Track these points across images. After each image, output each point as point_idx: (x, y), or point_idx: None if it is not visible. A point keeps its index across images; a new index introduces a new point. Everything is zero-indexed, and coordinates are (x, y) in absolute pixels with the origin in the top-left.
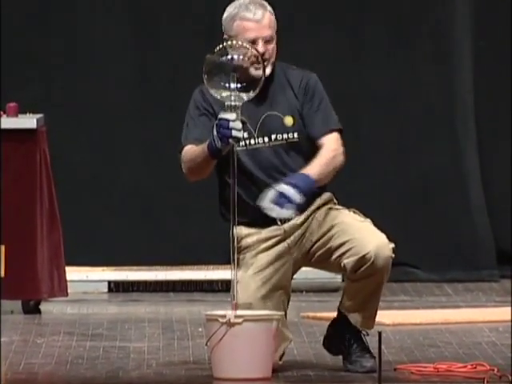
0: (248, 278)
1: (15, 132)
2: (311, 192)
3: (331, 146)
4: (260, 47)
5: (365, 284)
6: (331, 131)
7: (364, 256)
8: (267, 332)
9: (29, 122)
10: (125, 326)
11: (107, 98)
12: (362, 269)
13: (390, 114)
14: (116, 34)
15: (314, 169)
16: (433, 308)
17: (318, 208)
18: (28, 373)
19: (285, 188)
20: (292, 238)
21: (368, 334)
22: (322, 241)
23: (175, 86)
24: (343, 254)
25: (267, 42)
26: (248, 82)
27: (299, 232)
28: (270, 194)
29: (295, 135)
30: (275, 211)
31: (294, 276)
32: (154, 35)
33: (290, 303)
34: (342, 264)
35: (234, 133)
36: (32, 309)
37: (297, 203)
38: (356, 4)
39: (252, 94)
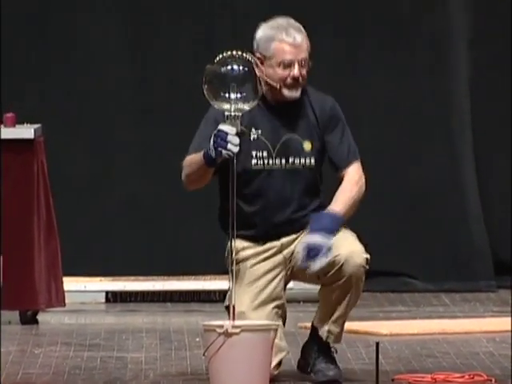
0: (242, 288)
1: (13, 142)
2: (340, 229)
3: (354, 178)
4: (296, 71)
5: (334, 289)
6: (353, 162)
7: (334, 258)
8: (265, 342)
9: (26, 132)
10: (122, 336)
11: (104, 109)
12: (332, 271)
13: (387, 124)
14: (113, 46)
15: (340, 205)
16: (430, 318)
17: None
18: (26, 383)
19: (312, 240)
20: (288, 249)
21: (337, 352)
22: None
23: (173, 97)
24: None
25: (302, 65)
26: (248, 93)
27: (295, 243)
28: (302, 252)
29: (312, 161)
30: (311, 267)
31: (292, 286)
32: (151, 48)
33: (288, 313)
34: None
35: (229, 146)
36: (29, 319)
37: (326, 250)
38: (354, 14)
39: (252, 105)
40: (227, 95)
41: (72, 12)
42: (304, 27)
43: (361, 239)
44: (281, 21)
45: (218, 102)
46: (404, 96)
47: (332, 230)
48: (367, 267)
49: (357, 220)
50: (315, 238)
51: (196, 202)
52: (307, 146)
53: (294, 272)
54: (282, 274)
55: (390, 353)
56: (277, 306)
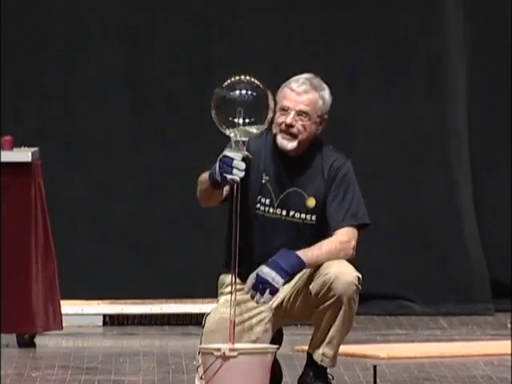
0: (219, 308)
1: (10, 165)
2: (295, 274)
3: (341, 238)
4: (289, 118)
5: (326, 311)
6: (348, 226)
7: (324, 276)
8: (262, 365)
9: (24, 155)
10: (120, 359)
11: (102, 132)
12: (323, 291)
13: (383, 144)
14: (112, 70)
15: (312, 253)
16: (428, 341)
17: None
18: None
19: (267, 273)
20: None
21: (333, 378)
22: (293, 286)
23: (171, 122)
24: (309, 282)
25: (300, 116)
26: (256, 118)
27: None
28: (252, 278)
29: (313, 218)
30: (255, 298)
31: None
32: (150, 72)
33: (284, 337)
34: (309, 291)
35: (234, 171)
36: (27, 342)
37: (277, 289)
38: (350, 36)
39: (260, 130)
40: (235, 120)
41: (71, 36)
42: (298, 57)
43: (358, 262)
44: (305, 74)
45: (226, 126)
46: (402, 120)
47: (290, 273)
48: (359, 286)
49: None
50: (270, 274)
51: (194, 226)
52: (311, 202)
53: (290, 306)
54: (262, 308)
55: (387, 376)
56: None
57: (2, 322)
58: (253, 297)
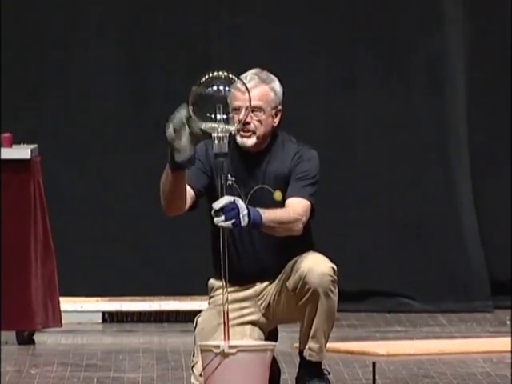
0: (210, 309)
1: (10, 162)
2: (251, 226)
3: (297, 210)
4: (242, 115)
5: (305, 305)
6: (303, 198)
7: (298, 270)
8: (261, 362)
9: (23, 152)
10: (119, 356)
11: (102, 131)
12: (298, 286)
13: (383, 144)
14: (110, 66)
15: (270, 216)
16: (427, 338)
17: None
18: None
19: (243, 206)
20: (262, 285)
21: (329, 373)
22: (277, 286)
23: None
24: (287, 280)
25: (254, 112)
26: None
27: (267, 282)
28: (226, 200)
29: None
30: (219, 218)
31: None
32: (149, 71)
33: (284, 334)
34: (286, 288)
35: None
36: (26, 339)
37: (238, 222)
38: (350, 36)
39: (239, 125)
40: (213, 116)
41: (70, 35)
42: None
43: (358, 260)
44: (252, 70)
45: (205, 123)
46: (401, 119)
47: (251, 218)
48: (335, 277)
49: (354, 241)
50: (244, 209)
51: (192, 224)
52: (278, 195)
53: (276, 307)
54: (254, 309)
55: (386, 373)
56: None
57: (2, 319)
58: (214, 216)
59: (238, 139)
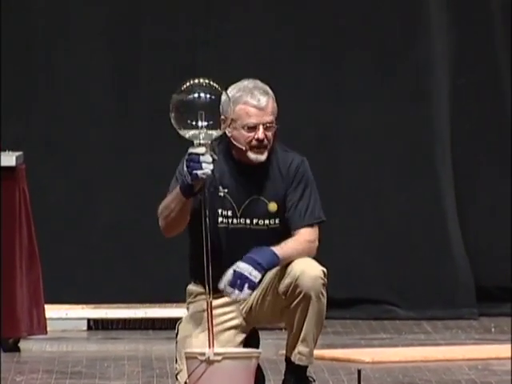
0: (192, 315)
1: None
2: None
3: (307, 237)
4: (260, 133)
5: (295, 310)
6: (308, 225)
7: (289, 273)
8: (247, 370)
9: (8, 159)
10: (104, 363)
11: (87, 137)
12: (290, 290)
13: (370, 153)
14: (96, 73)
15: (285, 250)
16: (412, 346)
17: None
18: None
19: (244, 268)
20: (245, 305)
21: (315, 380)
22: (260, 289)
23: (157, 124)
24: (276, 283)
25: (267, 128)
26: (215, 120)
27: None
28: (229, 275)
29: (277, 221)
30: (233, 294)
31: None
32: (134, 74)
33: (269, 341)
34: (276, 292)
35: (204, 166)
36: (11, 347)
37: (255, 283)
38: (337, 46)
39: (220, 132)
40: (195, 123)
41: (55, 39)
42: (286, 65)
43: (344, 267)
44: (247, 82)
45: (186, 130)
46: (387, 125)
47: (266, 267)
48: (325, 280)
49: (340, 248)
50: (247, 269)
51: None
52: (272, 207)
53: (259, 309)
54: (236, 314)
55: (372, 380)
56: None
57: None
58: (228, 295)
59: (252, 156)
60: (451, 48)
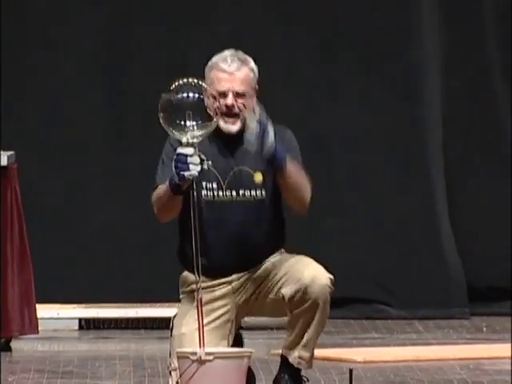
0: (187, 310)
1: None
2: (278, 157)
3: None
4: (229, 100)
5: (301, 314)
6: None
7: (299, 281)
8: (238, 369)
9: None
10: (95, 363)
11: (79, 136)
12: (298, 295)
13: (362, 152)
14: (89, 73)
15: (293, 166)
16: (404, 345)
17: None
18: None
19: (270, 128)
20: (238, 283)
21: (308, 380)
22: (263, 284)
23: (148, 124)
24: (281, 285)
25: (239, 96)
26: (204, 120)
27: (245, 278)
28: (255, 130)
29: (263, 193)
30: (254, 145)
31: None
32: (126, 74)
33: (260, 340)
34: (281, 295)
35: (191, 167)
36: (2, 346)
37: (269, 144)
38: (329, 43)
39: (209, 132)
40: (183, 123)
41: (47, 40)
42: (279, 65)
43: (334, 266)
44: (227, 51)
45: (175, 130)
46: (378, 127)
47: (279, 151)
48: (332, 288)
49: (332, 247)
50: (270, 131)
51: (169, 230)
52: (258, 177)
53: (257, 305)
54: (231, 306)
55: (363, 380)
56: (220, 336)
57: None
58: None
59: (223, 125)
60: (442, 51)
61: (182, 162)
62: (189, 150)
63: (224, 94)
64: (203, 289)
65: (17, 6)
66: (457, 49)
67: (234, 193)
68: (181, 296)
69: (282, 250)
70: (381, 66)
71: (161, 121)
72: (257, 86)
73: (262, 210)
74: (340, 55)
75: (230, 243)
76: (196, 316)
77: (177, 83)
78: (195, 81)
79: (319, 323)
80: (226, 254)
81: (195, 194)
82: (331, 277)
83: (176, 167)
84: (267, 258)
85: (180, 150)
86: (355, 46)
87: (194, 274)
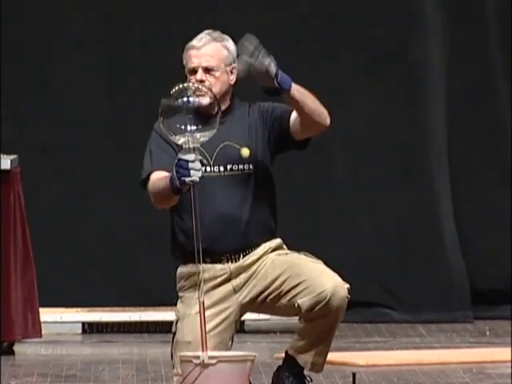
0: (191, 316)
1: None
2: (282, 80)
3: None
4: (198, 75)
5: (319, 323)
6: None
7: (320, 294)
8: (241, 373)
9: (3, 163)
10: (99, 367)
11: (81, 139)
12: (318, 307)
13: (363, 153)
14: (90, 76)
15: (302, 88)
16: (407, 349)
17: (266, 253)
18: None
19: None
20: (238, 280)
21: (312, 381)
22: (273, 286)
23: (149, 127)
24: (297, 294)
25: (209, 72)
26: (205, 124)
27: (245, 275)
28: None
29: (251, 166)
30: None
31: (268, 316)
32: (126, 78)
33: (264, 344)
34: (296, 304)
35: (192, 173)
36: (6, 350)
37: (267, 63)
38: (331, 44)
39: (209, 135)
40: (183, 127)
41: (48, 42)
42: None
43: (338, 269)
44: (205, 31)
45: (175, 134)
46: (382, 129)
47: (283, 76)
48: (349, 297)
49: (334, 251)
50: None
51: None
52: (245, 152)
53: (265, 306)
54: (233, 307)
55: None
56: (223, 339)
57: None
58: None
59: (193, 99)
60: (445, 53)
61: (184, 167)
62: (190, 156)
63: (194, 71)
64: (204, 281)
65: (17, 6)
66: (459, 49)
67: (221, 168)
68: (179, 294)
69: (281, 243)
70: (382, 66)
71: (161, 126)
72: (234, 64)
73: (250, 184)
74: (342, 55)
75: (220, 218)
76: (197, 325)
77: (176, 88)
78: (195, 85)
79: (334, 331)
80: (217, 229)
81: (195, 194)
82: (348, 286)
83: (177, 172)
84: (260, 240)
85: (181, 156)
86: (358, 46)
87: (190, 263)
